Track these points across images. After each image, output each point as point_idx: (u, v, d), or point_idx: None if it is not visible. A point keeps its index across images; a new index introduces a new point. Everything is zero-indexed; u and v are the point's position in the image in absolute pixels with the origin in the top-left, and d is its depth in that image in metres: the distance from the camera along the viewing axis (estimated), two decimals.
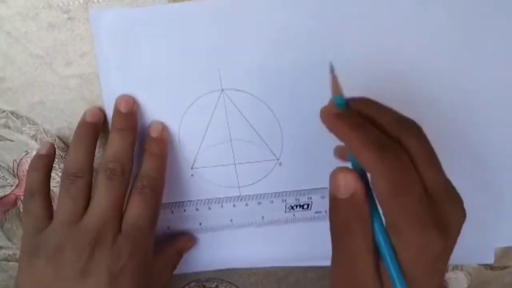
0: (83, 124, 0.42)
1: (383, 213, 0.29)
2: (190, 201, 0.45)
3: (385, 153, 0.28)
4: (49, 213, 0.40)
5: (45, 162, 0.42)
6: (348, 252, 0.30)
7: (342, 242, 0.30)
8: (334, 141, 0.40)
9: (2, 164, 0.46)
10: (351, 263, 0.29)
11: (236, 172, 0.44)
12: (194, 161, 0.44)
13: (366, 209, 0.29)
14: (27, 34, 0.40)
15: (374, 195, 0.29)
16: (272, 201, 0.44)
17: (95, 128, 0.42)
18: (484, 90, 0.40)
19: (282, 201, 0.44)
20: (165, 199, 0.44)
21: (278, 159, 0.43)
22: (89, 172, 0.40)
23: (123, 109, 0.41)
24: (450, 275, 0.48)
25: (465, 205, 0.42)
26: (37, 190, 0.41)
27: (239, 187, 0.44)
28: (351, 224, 0.29)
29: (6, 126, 0.44)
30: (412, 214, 0.28)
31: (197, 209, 0.45)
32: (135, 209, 0.39)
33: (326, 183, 0.41)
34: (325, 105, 0.32)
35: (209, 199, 0.45)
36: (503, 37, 0.39)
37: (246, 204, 0.45)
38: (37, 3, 0.39)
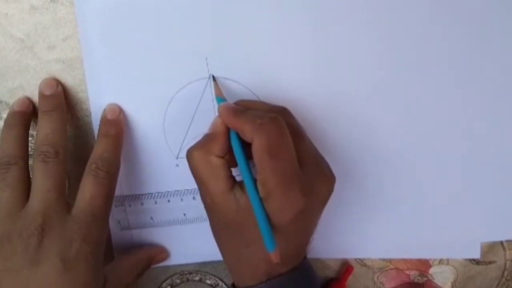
0: (11, 113, 0.41)
1: (257, 172, 0.34)
2: (176, 191, 0.43)
3: (262, 123, 0.33)
4: None
5: None
6: None
7: None
8: (325, 133, 0.41)
9: None
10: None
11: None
12: (179, 150, 0.42)
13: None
14: (7, 16, 0.39)
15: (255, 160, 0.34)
16: None
17: (24, 115, 0.40)
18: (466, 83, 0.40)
19: None
20: (148, 190, 0.43)
21: None
22: (23, 158, 0.39)
23: (46, 91, 0.40)
24: (436, 270, 0.47)
25: (452, 200, 0.43)
26: None
27: None
28: None
29: None
30: (280, 176, 0.33)
31: (181, 200, 0.43)
32: (87, 192, 0.38)
33: None
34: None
35: (194, 189, 0.43)
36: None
37: None
38: None
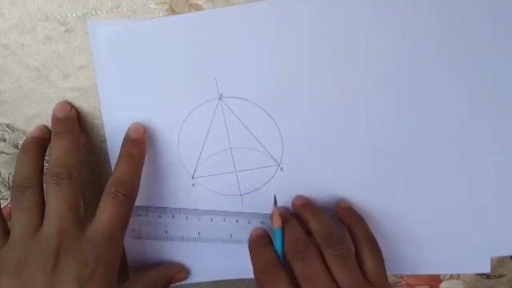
0: (27, 138, 0.41)
1: None
2: (194, 210, 0.44)
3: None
4: (4, 230, 0.39)
5: None
6: None
7: None
8: (335, 146, 0.41)
9: None
10: None
11: (237, 179, 0.43)
12: (195, 170, 0.43)
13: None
14: (23, 47, 0.40)
15: None
16: None
17: (40, 141, 0.41)
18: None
19: None
20: (164, 207, 0.44)
21: (279, 164, 0.42)
22: (38, 181, 0.39)
23: (59, 114, 0.40)
24: (446, 284, 0.48)
25: (463, 216, 0.43)
26: None
27: (241, 195, 0.43)
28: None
29: (2, 139, 0.43)
30: None
31: (199, 219, 0.44)
32: (105, 214, 0.38)
33: (327, 188, 0.43)
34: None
35: (213, 210, 0.44)
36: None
37: (249, 222, 0.44)
38: (34, 16, 0.39)
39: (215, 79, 0.40)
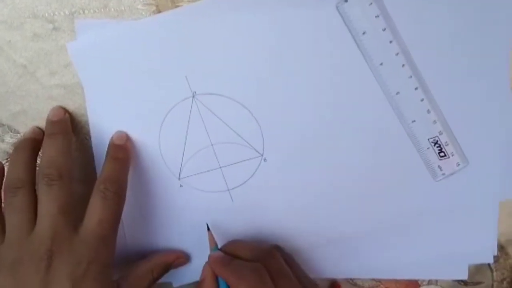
0: (20, 140, 0.42)
1: None
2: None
3: (243, 275, 0.37)
4: (1, 230, 0.38)
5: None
6: None
7: None
8: (315, 129, 0.41)
9: None
10: None
11: (223, 175, 0.43)
12: (180, 171, 0.43)
13: None
14: (11, 43, 0.40)
15: None
16: None
17: (33, 142, 0.41)
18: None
19: None
20: (158, 213, 0.44)
21: (262, 155, 0.42)
22: (30, 182, 0.39)
23: (53, 118, 0.41)
24: None
25: (441, 222, 0.44)
26: None
27: (228, 190, 0.43)
28: None
29: None
30: None
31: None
32: (96, 213, 0.38)
33: (315, 174, 0.42)
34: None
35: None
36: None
37: None
38: (22, 13, 0.39)
39: (186, 77, 0.40)
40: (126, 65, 0.40)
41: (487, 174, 0.43)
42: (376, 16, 0.38)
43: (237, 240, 0.44)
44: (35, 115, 0.42)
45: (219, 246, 0.42)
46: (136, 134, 0.42)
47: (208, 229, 0.43)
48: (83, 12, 0.39)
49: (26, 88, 0.41)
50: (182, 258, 0.46)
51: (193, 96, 0.41)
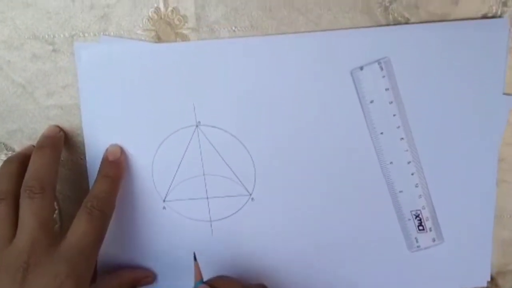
0: (12, 154, 0.42)
1: None
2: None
3: None
4: None
5: None
6: None
7: None
8: (306, 179, 0.42)
9: None
10: None
11: (208, 206, 0.43)
12: (167, 193, 0.43)
13: None
14: (10, 63, 0.40)
15: None
16: None
17: (23, 156, 0.41)
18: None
19: None
20: (136, 230, 0.44)
21: (250, 195, 0.42)
22: (12, 193, 0.38)
23: (46, 132, 0.41)
24: None
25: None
26: None
27: (210, 221, 0.43)
28: None
29: None
30: None
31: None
32: (80, 229, 0.37)
33: (296, 221, 0.43)
34: None
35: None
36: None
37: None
38: (22, 34, 0.39)
39: (194, 107, 0.41)
40: (132, 84, 0.40)
41: (459, 255, 0.44)
42: (386, 89, 0.40)
43: (223, 276, 0.42)
44: (31, 134, 0.42)
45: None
46: (132, 151, 0.42)
47: (195, 259, 0.42)
48: (83, 35, 0.39)
49: (24, 107, 0.41)
50: (150, 278, 0.45)
51: (197, 126, 0.41)
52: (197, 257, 0.42)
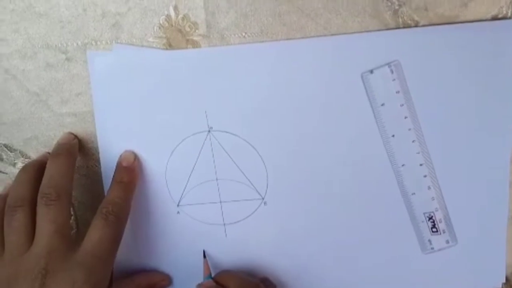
0: (29, 161, 0.42)
1: None
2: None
3: None
4: (1, 247, 0.38)
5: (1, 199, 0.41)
6: None
7: None
8: (318, 183, 0.42)
9: None
10: None
11: (221, 210, 0.43)
12: (180, 198, 0.43)
13: None
14: (24, 72, 0.40)
15: None
16: None
17: (39, 164, 0.41)
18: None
19: None
20: (151, 235, 0.44)
21: (263, 198, 0.43)
22: (29, 201, 0.39)
23: (61, 140, 0.42)
24: None
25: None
26: None
27: (224, 224, 0.44)
28: None
29: (0, 158, 0.44)
30: None
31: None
32: (96, 234, 0.38)
33: (309, 224, 0.43)
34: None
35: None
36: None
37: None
38: (36, 43, 0.39)
39: (206, 113, 0.41)
40: (145, 91, 0.41)
41: (472, 257, 0.44)
42: (396, 92, 0.40)
43: (227, 271, 0.44)
44: (46, 141, 0.42)
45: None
46: (145, 157, 0.42)
47: (204, 256, 0.44)
48: (95, 44, 0.40)
49: (38, 115, 0.42)
50: (165, 281, 0.46)
51: (209, 131, 0.41)
52: (211, 259, 0.43)
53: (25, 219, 0.38)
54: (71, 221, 0.44)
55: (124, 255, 0.44)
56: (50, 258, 0.36)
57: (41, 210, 0.38)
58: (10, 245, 0.38)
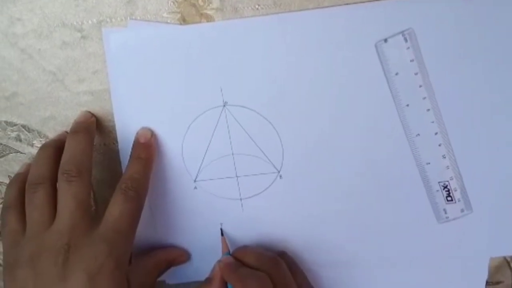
0: (47, 140, 0.43)
1: None
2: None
3: (247, 281, 0.38)
4: (24, 225, 0.39)
5: (21, 178, 0.42)
6: None
7: None
8: (334, 157, 0.42)
9: (12, 176, 0.45)
10: None
11: (238, 184, 0.43)
12: (197, 174, 0.43)
13: None
14: (40, 51, 0.40)
15: None
16: None
17: (58, 142, 0.41)
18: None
19: None
20: (169, 211, 0.45)
21: (278, 172, 0.43)
22: (50, 178, 0.39)
23: (78, 119, 0.42)
24: None
25: (436, 264, 0.45)
26: (11, 204, 0.40)
27: (241, 199, 0.44)
28: None
29: (18, 139, 0.43)
30: None
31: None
32: (116, 210, 0.38)
33: (325, 197, 0.44)
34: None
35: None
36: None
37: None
38: (51, 22, 0.40)
39: (220, 87, 0.41)
40: (160, 66, 0.41)
41: (487, 225, 0.44)
42: (411, 60, 0.40)
43: (245, 247, 0.44)
44: (63, 121, 0.43)
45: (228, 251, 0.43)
46: (162, 133, 0.43)
47: (222, 234, 0.44)
48: (110, 21, 0.40)
49: (55, 94, 0.42)
50: (184, 256, 0.46)
51: (224, 106, 0.41)
52: (228, 233, 0.44)
53: (46, 196, 0.38)
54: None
55: (142, 232, 0.44)
56: (73, 233, 0.37)
57: (62, 187, 0.38)
58: (32, 222, 0.38)
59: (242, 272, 0.40)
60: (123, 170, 0.42)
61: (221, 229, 0.44)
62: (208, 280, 0.41)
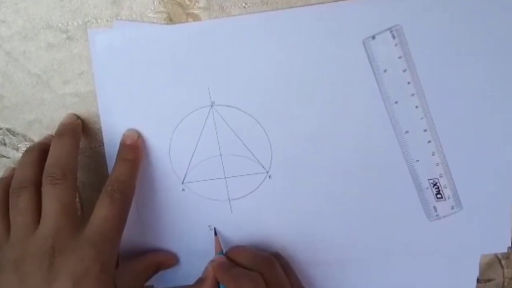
0: (32, 144, 0.42)
1: None
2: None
3: (240, 281, 0.38)
4: (8, 229, 0.38)
5: (5, 182, 0.41)
6: None
7: None
8: (322, 154, 0.42)
9: None
10: None
11: (226, 185, 0.43)
12: (185, 175, 0.43)
13: None
14: (25, 54, 0.40)
15: None
16: None
17: (43, 145, 0.41)
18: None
19: None
20: (156, 213, 0.44)
21: (267, 172, 0.42)
22: (34, 182, 0.38)
23: (64, 121, 0.42)
24: None
25: (427, 262, 0.45)
26: None
27: (229, 200, 0.43)
28: None
29: (2, 143, 0.43)
30: None
31: None
32: (102, 212, 0.38)
33: (314, 197, 0.43)
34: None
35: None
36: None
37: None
38: (36, 24, 0.39)
39: (208, 87, 0.41)
40: (146, 67, 0.40)
41: (478, 222, 0.44)
42: (399, 57, 0.40)
43: (239, 246, 0.44)
44: (49, 124, 0.42)
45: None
46: (148, 134, 0.42)
47: (216, 234, 0.44)
48: (96, 22, 0.39)
49: (40, 97, 0.41)
50: (172, 260, 0.46)
51: (211, 106, 0.41)
52: (217, 234, 0.43)
53: (30, 200, 0.38)
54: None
55: (129, 235, 0.43)
56: (58, 237, 0.36)
57: (46, 190, 0.37)
58: (16, 227, 0.37)
59: (235, 272, 0.40)
60: (109, 173, 0.42)
61: (215, 229, 0.44)
62: (201, 280, 0.41)
